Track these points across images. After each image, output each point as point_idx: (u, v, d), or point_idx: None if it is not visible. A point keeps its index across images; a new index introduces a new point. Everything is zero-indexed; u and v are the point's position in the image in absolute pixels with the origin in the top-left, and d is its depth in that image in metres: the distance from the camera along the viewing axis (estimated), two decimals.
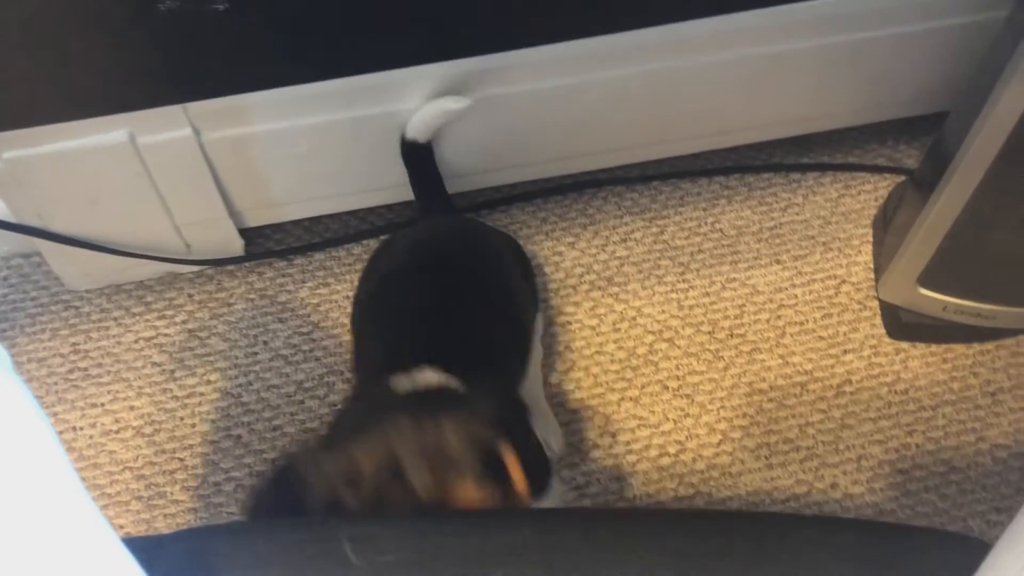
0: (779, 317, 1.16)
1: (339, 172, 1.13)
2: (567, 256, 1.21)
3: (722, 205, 1.25)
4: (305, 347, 1.14)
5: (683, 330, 1.15)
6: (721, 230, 1.23)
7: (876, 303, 1.16)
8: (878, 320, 1.15)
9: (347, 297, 1.17)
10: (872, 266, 1.19)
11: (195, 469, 1.06)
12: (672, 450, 1.07)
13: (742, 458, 1.06)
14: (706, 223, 1.23)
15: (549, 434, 1.03)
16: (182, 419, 1.09)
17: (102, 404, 1.11)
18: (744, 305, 1.17)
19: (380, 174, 1.12)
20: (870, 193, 1.25)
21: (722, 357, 1.13)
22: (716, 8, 0.89)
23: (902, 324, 1.12)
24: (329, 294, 1.18)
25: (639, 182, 1.26)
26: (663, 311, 1.16)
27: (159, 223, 1.10)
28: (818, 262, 1.20)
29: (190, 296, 1.18)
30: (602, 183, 1.26)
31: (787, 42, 1.08)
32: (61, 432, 1.09)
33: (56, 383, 1.12)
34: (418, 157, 1.05)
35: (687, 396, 1.10)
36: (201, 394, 1.11)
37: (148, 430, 1.09)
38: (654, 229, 1.23)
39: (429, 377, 0.74)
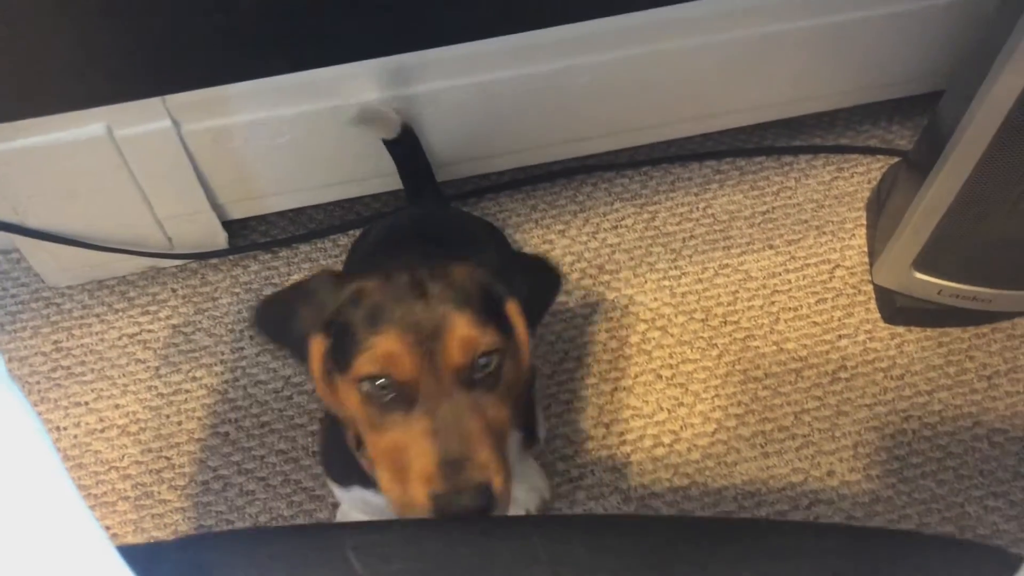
0: (773, 303, 1.14)
1: (323, 162, 1.10)
2: (558, 244, 1.19)
3: (714, 190, 1.23)
4: None
5: (676, 318, 1.13)
6: (713, 215, 1.21)
7: (870, 287, 1.15)
8: (873, 305, 1.14)
9: None
10: (866, 250, 1.18)
11: (183, 468, 1.05)
12: (667, 440, 1.06)
13: (737, 447, 1.05)
14: (698, 208, 1.22)
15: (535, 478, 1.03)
16: (168, 417, 1.07)
17: (86, 403, 1.08)
18: (737, 291, 1.15)
19: (365, 163, 1.10)
20: (863, 175, 1.24)
21: (716, 345, 1.11)
22: None
23: (897, 308, 1.11)
24: None
25: (629, 167, 1.24)
26: (655, 299, 1.15)
27: (140, 217, 1.07)
28: (811, 246, 1.18)
29: (174, 291, 1.16)
30: (592, 169, 1.24)
31: (777, 22, 1.06)
32: None
33: (39, 382, 1.10)
34: (402, 149, 1.03)
35: (681, 385, 1.09)
36: (187, 391, 1.09)
37: (134, 429, 1.07)
38: (645, 215, 1.21)
39: None
